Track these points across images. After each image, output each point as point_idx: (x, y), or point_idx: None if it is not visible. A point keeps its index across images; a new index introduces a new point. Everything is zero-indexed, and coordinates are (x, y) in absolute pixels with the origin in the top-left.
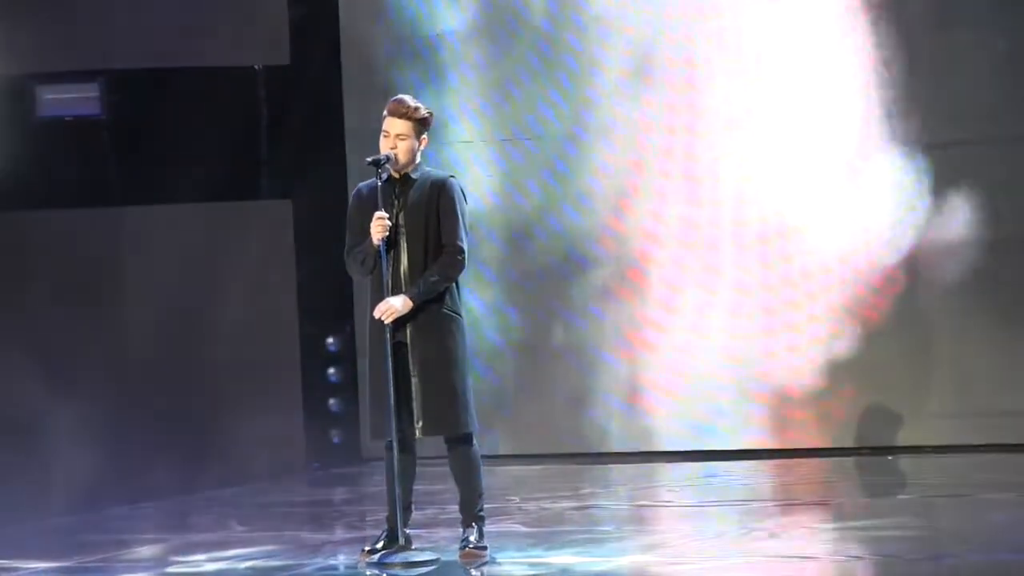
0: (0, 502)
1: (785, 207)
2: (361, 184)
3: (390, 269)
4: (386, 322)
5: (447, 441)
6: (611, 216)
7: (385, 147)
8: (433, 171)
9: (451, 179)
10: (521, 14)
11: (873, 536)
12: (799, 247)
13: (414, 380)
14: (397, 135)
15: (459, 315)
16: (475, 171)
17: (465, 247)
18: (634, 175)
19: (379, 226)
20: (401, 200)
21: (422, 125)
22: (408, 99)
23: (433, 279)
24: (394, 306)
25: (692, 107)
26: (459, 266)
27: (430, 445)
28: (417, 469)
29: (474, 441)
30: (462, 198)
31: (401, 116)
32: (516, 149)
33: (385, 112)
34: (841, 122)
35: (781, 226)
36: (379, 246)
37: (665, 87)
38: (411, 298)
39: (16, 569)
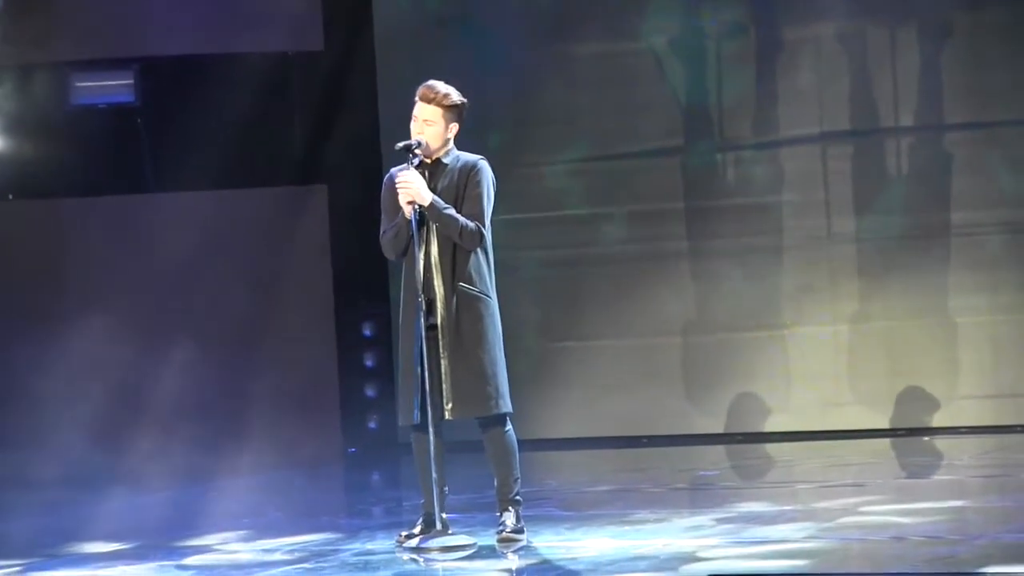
0: (42, 496)
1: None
2: (393, 169)
3: (422, 251)
4: (402, 197)
5: (481, 424)
6: None
7: (413, 131)
8: (465, 155)
9: (481, 161)
10: None
11: (909, 516)
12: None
13: (443, 362)
14: (425, 120)
15: (489, 297)
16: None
17: (484, 228)
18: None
19: (403, 192)
20: (432, 184)
21: (453, 112)
22: (439, 85)
23: (454, 218)
24: (414, 183)
25: None
26: (476, 238)
27: (469, 429)
28: (455, 455)
29: (508, 423)
30: (490, 182)
31: (430, 102)
32: None
33: (416, 96)
34: None
35: None
36: (411, 219)
37: None
38: (435, 202)
39: (54, 556)
